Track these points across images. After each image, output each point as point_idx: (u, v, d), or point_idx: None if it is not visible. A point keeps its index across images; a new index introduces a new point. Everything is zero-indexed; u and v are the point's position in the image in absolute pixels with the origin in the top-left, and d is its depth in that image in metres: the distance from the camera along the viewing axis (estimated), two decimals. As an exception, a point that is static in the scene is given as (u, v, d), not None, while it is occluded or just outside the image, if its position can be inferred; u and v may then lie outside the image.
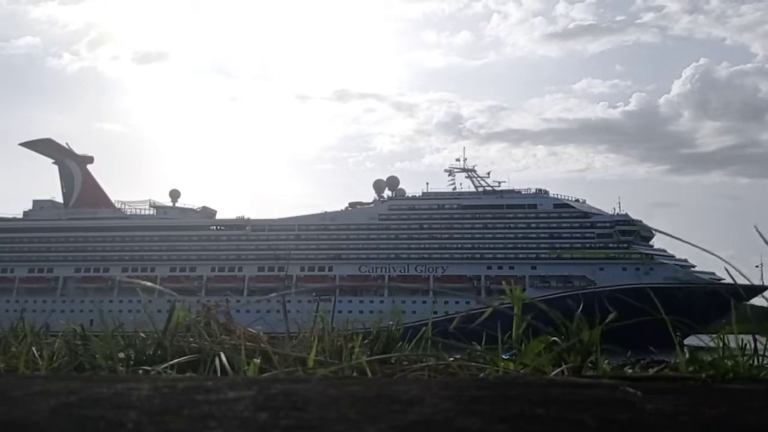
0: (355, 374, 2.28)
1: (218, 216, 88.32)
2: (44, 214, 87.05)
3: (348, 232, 78.59)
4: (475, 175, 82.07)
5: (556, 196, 78.96)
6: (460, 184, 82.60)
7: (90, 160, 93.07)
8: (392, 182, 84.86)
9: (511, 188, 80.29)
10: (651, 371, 2.30)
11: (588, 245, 73.56)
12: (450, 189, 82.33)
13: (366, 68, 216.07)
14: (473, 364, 2.38)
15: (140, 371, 2.36)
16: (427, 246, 76.64)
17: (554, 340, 2.22)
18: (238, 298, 66.44)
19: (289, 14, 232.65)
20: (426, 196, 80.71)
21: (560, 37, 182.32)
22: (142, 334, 2.74)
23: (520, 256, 74.98)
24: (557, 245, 74.44)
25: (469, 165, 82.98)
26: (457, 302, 66.35)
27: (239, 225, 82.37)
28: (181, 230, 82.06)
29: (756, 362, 2.19)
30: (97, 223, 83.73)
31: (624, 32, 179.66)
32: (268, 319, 3.56)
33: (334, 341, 2.76)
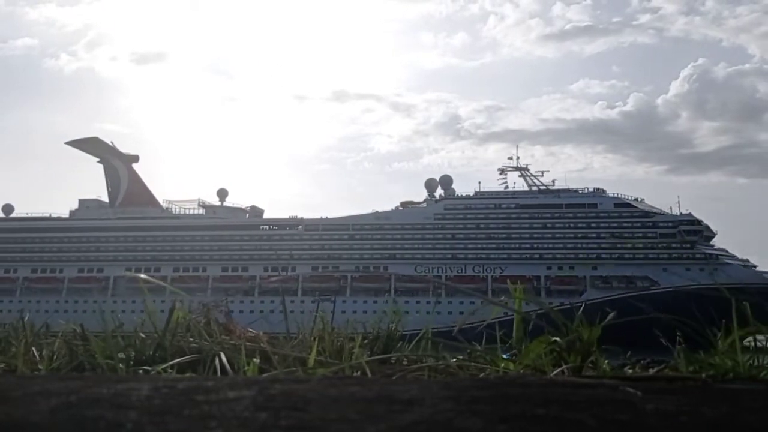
0: (355, 374, 2.28)
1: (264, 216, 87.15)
2: (90, 214, 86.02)
3: (403, 231, 77.30)
4: (529, 174, 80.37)
5: (615, 195, 76.84)
6: (514, 183, 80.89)
7: (135, 158, 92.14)
8: (445, 181, 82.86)
9: (566, 187, 78.72)
10: (651, 371, 2.30)
11: (650, 245, 72.09)
12: (502, 188, 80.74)
13: (364, 69, 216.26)
14: (473, 364, 2.38)
15: (140, 371, 2.37)
16: (484, 246, 75.29)
17: (555, 340, 2.22)
18: (293, 298, 65.17)
19: (287, 15, 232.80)
20: (478, 195, 79.23)
21: (557, 38, 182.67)
22: (141, 334, 2.74)
23: (580, 256, 73.08)
24: (619, 245, 72.58)
25: (522, 164, 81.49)
26: None
27: (291, 224, 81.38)
28: (232, 230, 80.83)
29: (756, 362, 2.19)
30: (147, 222, 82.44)
31: (621, 33, 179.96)
32: (270, 318, 3.53)
33: (334, 341, 2.76)
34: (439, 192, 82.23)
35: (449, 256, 75.73)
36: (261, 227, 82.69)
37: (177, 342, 2.56)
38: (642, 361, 2.56)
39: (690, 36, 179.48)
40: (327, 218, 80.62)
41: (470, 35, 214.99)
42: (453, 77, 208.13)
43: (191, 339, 2.61)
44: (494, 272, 73.55)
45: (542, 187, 79.11)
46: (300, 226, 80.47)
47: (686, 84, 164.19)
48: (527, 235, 75.17)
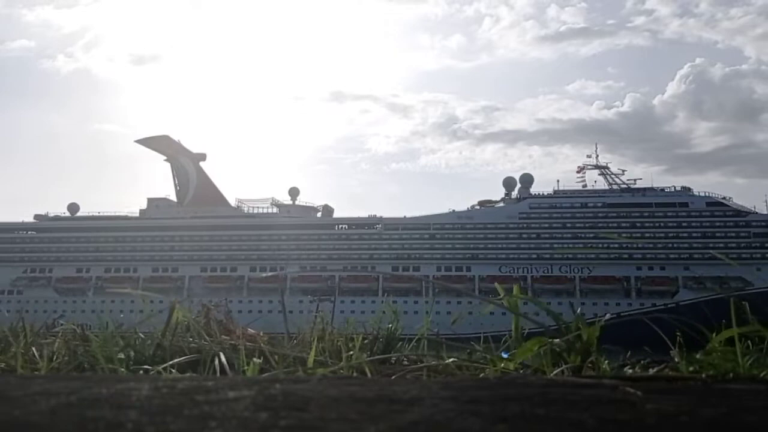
0: (355, 374, 2.28)
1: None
2: (160, 213, 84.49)
3: (485, 231, 75.17)
4: (609, 173, 78.73)
5: (705, 194, 74.83)
6: (595, 182, 79.08)
7: (203, 157, 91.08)
8: (525, 180, 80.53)
9: (649, 186, 76.74)
10: (651, 371, 2.30)
11: (743, 245, 70.28)
12: (580, 186, 78.87)
13: (361, 70, 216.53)
14: (473, 364, 2.38)
15: (140, 371, 2.36)
16: (571, 246, 73.61)
17: (551, 340, 2.21)
18: (373, 299, 64.17)
19: (284, 16, 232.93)
20: (557, 194, 77.35)
21: (552, 40, 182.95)
22: (141, 334, 2.74)
23: (671, 256, 71.09)
24: (711, 245, 69.70)
25: (602, 162, 79.71)
26: (606, 304, 64.56)
27: (368, 223, 79.70)
28: (308, 229, 79.33)
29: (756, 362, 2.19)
30: (221, 221, 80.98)
31: (616, 35, 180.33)
32: (270, 318, 3.50)
33: (334, 341, 2.76)
34: (516, 191, 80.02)
35: (534, 256, 73.73)
36: (337, 226, 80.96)
37: (177, 342, 2.56)
38: (642, 361, 2.56)
39: (684, 38, 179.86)
40: (406, 217, 78.96)
41: (466, 37, 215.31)
42: (449, 78, 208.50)
43: (191, 339, 2.61)
44: (582, 272, 72.11)
45: (623, 186, 77.06)
46: (378, 225, 78.72)
47: (683, 84, 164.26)
48: (615, 235, 73.22)
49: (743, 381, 1.91)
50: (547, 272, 73.17)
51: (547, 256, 73.27)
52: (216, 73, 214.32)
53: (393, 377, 2.17)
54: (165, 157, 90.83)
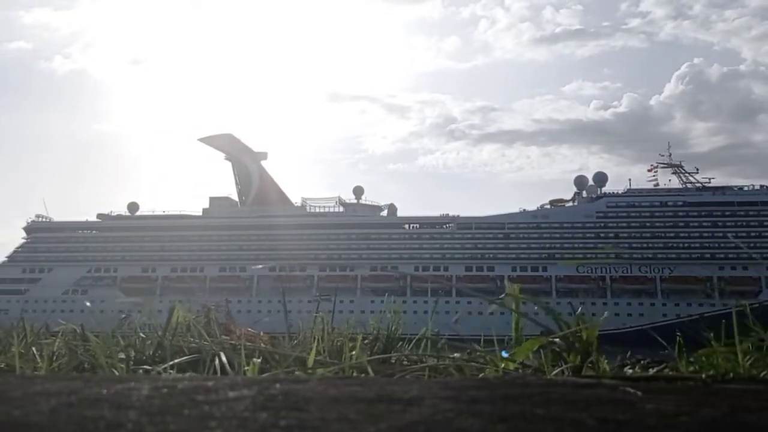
0: (355, 374, 2.28)
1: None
2: (222, 212, 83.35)
3: (562, 230, 73.49)
4: (683, 171, 77.06)
5: None
6: (669, 180, 77.32)
7: (264, 156, 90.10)
8: (599, 178, 78.75)
9: (726, 184, 75.15)
10: (651, 371, 2.30)
11: None
12: (651, 185, 77.09)
13: (358, 71, 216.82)
14: (473, 364, 2.38)
15: (140, 371, 2.36)
16: (650, 245, 71.24)
17: (551, 340, 2.21)
18: (447, 299, 61.62)
19: (282, 18, 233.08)
20: (629, 193, 75.64)
21: (548, 41, 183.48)
22: (142, 334, 2.73)
23: (754, 256, 68.46)
24: None
25: (675, 160, 78.07)
26: (689, 304, 63.44)
27: (439, 222, 78.12)
28: (377, 228, 78.26)
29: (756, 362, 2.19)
30: (287, 220, 79.37)
31: (612, 37, 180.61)
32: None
33: (334, 341, 2.76)
34: (588, 189, 78.28)
35: (613, 255, 70.53)
36: (408, 225, 79.63)
37: (177, 342, 2.56)
38: (642, 361, 2.56)
39: (680, 40, 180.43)
40: (479, 217, 77.45)
41: (462, 39, 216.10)
42: (446, 79, 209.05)
43: (191, 339, 2.61)
44: (662, 272, 70.40)
45: (698, 185, 75.63)
46: (449, 224, 77.26)
47: (680, 85, 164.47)
48: (696, 234, 71.72)
49: (743, 381, 1.90)
50: (627, 272, 71.27)
51: (626, 255, 71.24)
52: (216, 74, 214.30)
53: (393, 377, 2.17)
54: (224, 156, 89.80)
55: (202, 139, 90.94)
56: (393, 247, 76.96)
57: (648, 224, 72.74)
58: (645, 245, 71.56)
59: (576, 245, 72.68)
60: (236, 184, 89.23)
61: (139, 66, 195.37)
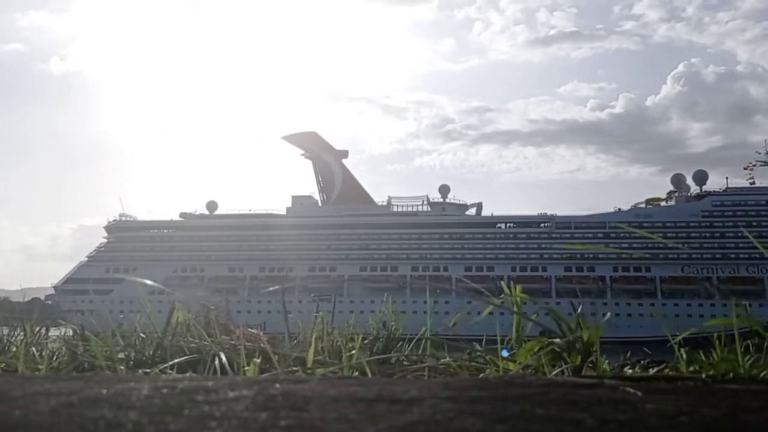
0: (355, 374, 2.28)
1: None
2: (305, 211, 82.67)
3: (665, 230, 70.48)
4: None
5: None
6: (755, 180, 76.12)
7: (345, 154, 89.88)
8: (700, 177, 77.18)
9: None
10: (651, 371, 2.30)
11: None
12: (747, 183, 75.90)
13: (355, 72, 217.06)
14: (473, 364, 2.38)
15: (140, 371, 2.36)
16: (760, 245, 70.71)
17: (552, 341, 2.21)
18: (547, 300, 60.20)
19: (280, 19, 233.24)
20: (729, 191, 74.16)
21: (542, 43, 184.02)
22: (142, 334, 2.73)
23: None
24: None
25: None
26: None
27: (534, 222, 76.72)
28: (469, 227, 76.95)
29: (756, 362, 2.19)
30: (374, 219, 78.82)
31: (606, 39, 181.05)
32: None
33: (334, 341, 2.76)
34: (688, 188, 76.92)
35: (719, 255, 70.67)
36: (505, 224, 78.22)
37: (177, 342, 2.56)
38: (642, 361, 2.56)
39: (673, 42, 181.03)
40: (578, 216, 76.48)
41: (457, 41, 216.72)
42: (442, 80, 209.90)
43: (191, 339, 2.61)
44: None
45: None
46: (546, 224, 75.96)
47: (676, 86, 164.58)
48: None
49: (743, 381, 1.90)
50: (734, 273, 70.11)
51: (733, 255, 70.36)
52: (209, 75, 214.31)
53: (393, 377, 2.17)
54: (304, 153, 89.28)
55: (285, 138, 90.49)
56: (488, 247, 75.62)
57: (754, 223, 70.73)
58: (752, 245, 68.42)
59: (680, 245, 70.41)
60: (318, 182, 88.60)
61: (129, 69, 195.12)
